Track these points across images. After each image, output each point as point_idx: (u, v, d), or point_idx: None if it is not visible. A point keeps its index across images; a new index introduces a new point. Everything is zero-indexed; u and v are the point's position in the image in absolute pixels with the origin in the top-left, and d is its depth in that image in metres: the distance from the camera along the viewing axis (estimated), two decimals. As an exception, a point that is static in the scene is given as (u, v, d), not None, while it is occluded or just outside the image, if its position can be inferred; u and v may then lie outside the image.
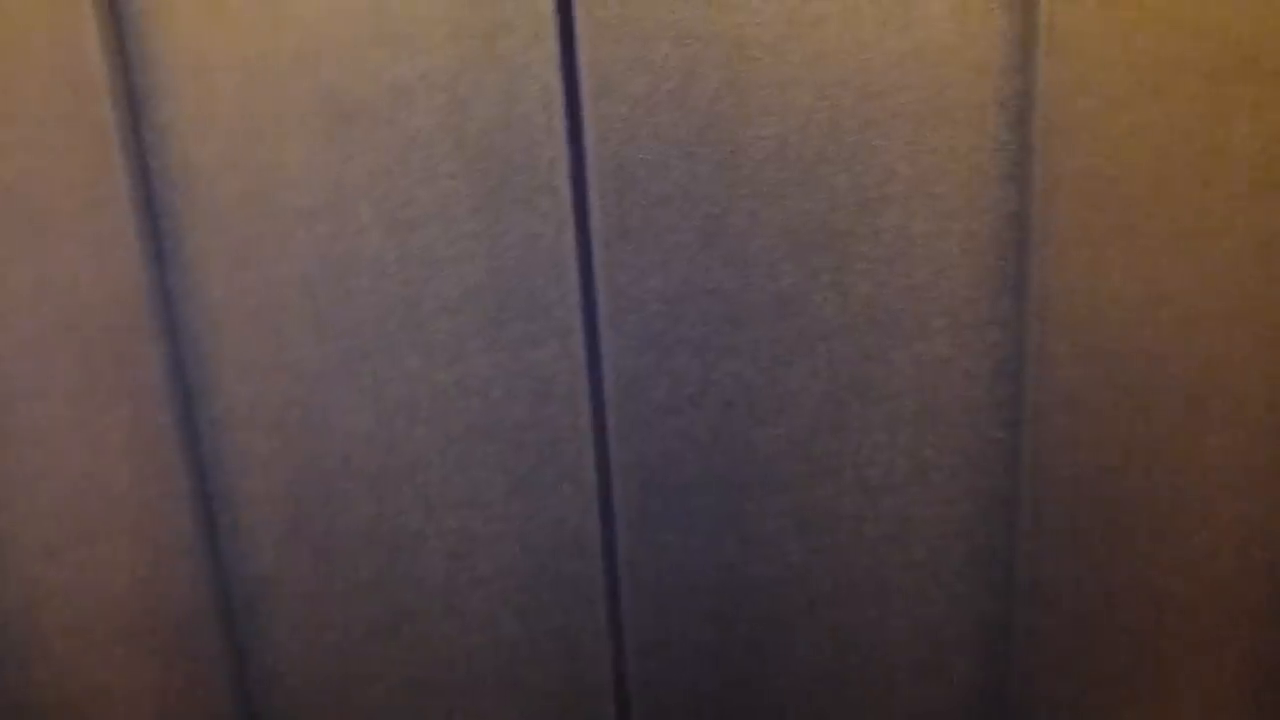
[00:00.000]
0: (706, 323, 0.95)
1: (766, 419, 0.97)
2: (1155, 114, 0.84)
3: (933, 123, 0.88)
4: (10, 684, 1.09)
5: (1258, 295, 0.87)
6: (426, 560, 1.04)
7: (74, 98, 0.91)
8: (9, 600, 1.07)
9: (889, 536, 1.00)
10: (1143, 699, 0.99)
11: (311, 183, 0.94)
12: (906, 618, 1.02)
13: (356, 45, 0.91)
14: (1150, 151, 0.85)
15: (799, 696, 1.05)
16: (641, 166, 0.91)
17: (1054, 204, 0.87)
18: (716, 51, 0.88)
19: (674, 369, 0.96)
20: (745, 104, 0.89)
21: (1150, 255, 0.87)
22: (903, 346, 0.94)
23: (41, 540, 1.05)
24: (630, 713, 1.07)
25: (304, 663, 1.09)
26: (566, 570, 1.04)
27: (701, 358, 0.96)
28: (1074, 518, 0.94)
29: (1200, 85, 0.83)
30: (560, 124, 0.91)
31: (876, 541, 1.00)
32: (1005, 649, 1.01)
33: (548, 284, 0.95)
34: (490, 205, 0.94)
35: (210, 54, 0.92)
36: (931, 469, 0.97)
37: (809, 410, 0.96)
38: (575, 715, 1.08)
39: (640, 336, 0.95)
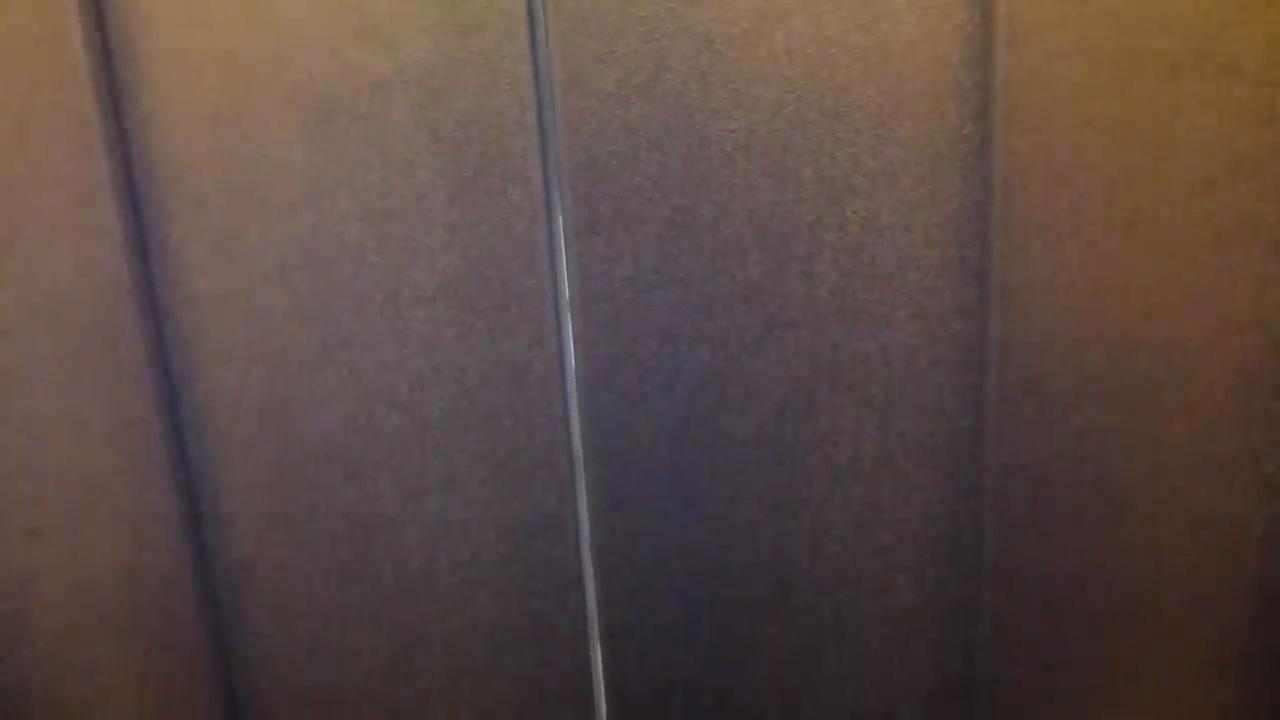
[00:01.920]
0: (675, 311, 0.96)
1: (735, 406, 0.99)
2: (1113, 105, 0.86)
3: (896, 115, 0.90)
4: (-4, 666, 1.11)
5: (1216, 284, 0.89)
6: (404, 545, 1.06)
7: (57, 90, 0.93)
8: (-5, 582, 1.09)
9: (857, 522, 1.01)
10: (1109, 682, 1.01)
11: (291, 175, 0.96)
12: (875, 602, 1.03)
13: (335, 41, 0.93)
14: (1109, 142, 0.87)
15: (770, 679, 1.07)
16: (611, 158, 0.93)
17: (1014, 194, 0.89)
18: (684, 46, 0.90)
19: (643, 357, 0.98)
20: (713, 97, 0.91)
21: (1110, 244, 0.89)
22: (869, 335, 0.96)
23: (25, 525, 1.07)
24: (606, 695, 1.09)
25: (285, 646, 1.11)
26: (542, 555, 1.05)
27: (671, 346, 0.97)
28: (1039, 503, 0.96)
29: (1158, 77, 0.85)
30: (532, 117, 0.93)
31: (844, 527, 1.02)
32: (972, 633, 1.03)
33: (521, 273, 0.97)
34: (465, 196, 0.96)
35: (191, 48, 0.94)
36: (898, 456, 0.99)
37: (777, 398, 0.98)
38: (551, 698, 1.10)
39: (610, 325, 0.97)
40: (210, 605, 1.09)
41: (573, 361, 1.00)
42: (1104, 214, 0.88)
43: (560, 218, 0.97)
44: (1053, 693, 1.02)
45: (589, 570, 1.07)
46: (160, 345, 1.01)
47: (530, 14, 0.91)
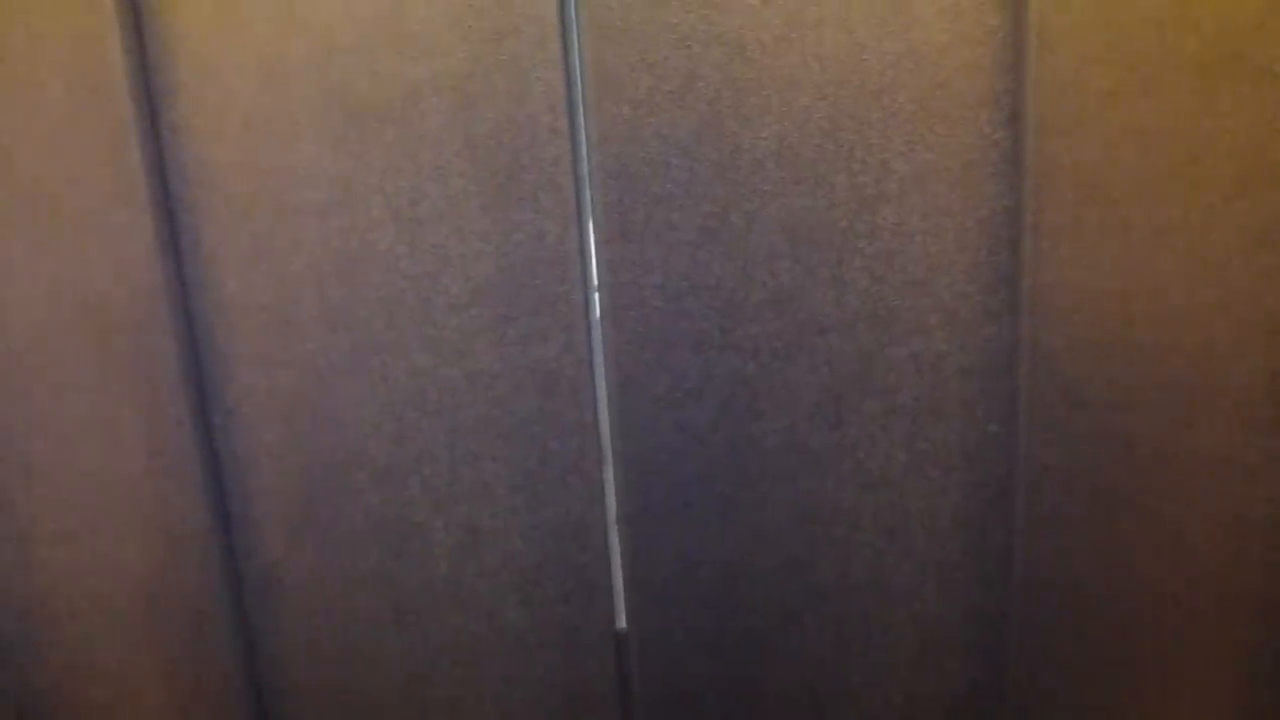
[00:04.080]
0: (706, 318, 0.97)
1: (766, 413, 0.99)
2: (1144, 109, 0.86)
3: (928, 121, 0.90)
4: (26, 667, 1.11)
5: (1246, 288, 0.88)
6: (433, 551, 1.06)
7: (94, 97, 0.94)
8: (26, 586, 1.09)
9: (887, 529, 1.01)
10: (1138, 690, 1.00)
11: (323, 180, 0.97)
12: (904, 609, 1.03)
13: (368, 48, 0.93)
14: (1139, 146, 0.87)
15: (798, 686, 1.07)
16: (643, 165, 0.93)
17: (1045, 200, 0.89)
18: (716, 53, 0.90)
19: (674, 364, 0.98)
20: (744, 104, 0.91)
21: (1140, 249, 0.89)
22: (900, 341, 0.96)
23: (57, 528, 1.07)
24: (633, 702, 1.09)
25: (311, 650, 1.11)
26: (570, 561, 1.05)
27: (702, 353, 0.97)
28: (1068, 510, 0.96)
29: (1188, 80, 0.85)
30: (564, 124, 0.93)
31: (875, 534, 1.01)
32: (1001, 640, 1.02)
33: (553, 280, 0.97)
34: (498, 203, 0.96)
35: (226, 55, 0.95)
36: (928, 462, 0.99)
37: (807, 404, 0.98)
38: (578, 705, 1.10)
39: (641, 332, 0.97)
40: (238, 608, 1.09)
41: (603, 368, 1.00)
42: (1135, 219, 0.88)
43: (591, 224, 0.97)
44: (1082, 700, 1.01)
45: (617, 577, 1.07)
46: (192, 349, 1.02)
47: (562, 22, 0.91)
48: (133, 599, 1.09)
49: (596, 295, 0.99)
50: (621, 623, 1.08)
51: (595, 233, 0.96)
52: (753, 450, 1.00)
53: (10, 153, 0.97)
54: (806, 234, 0.94)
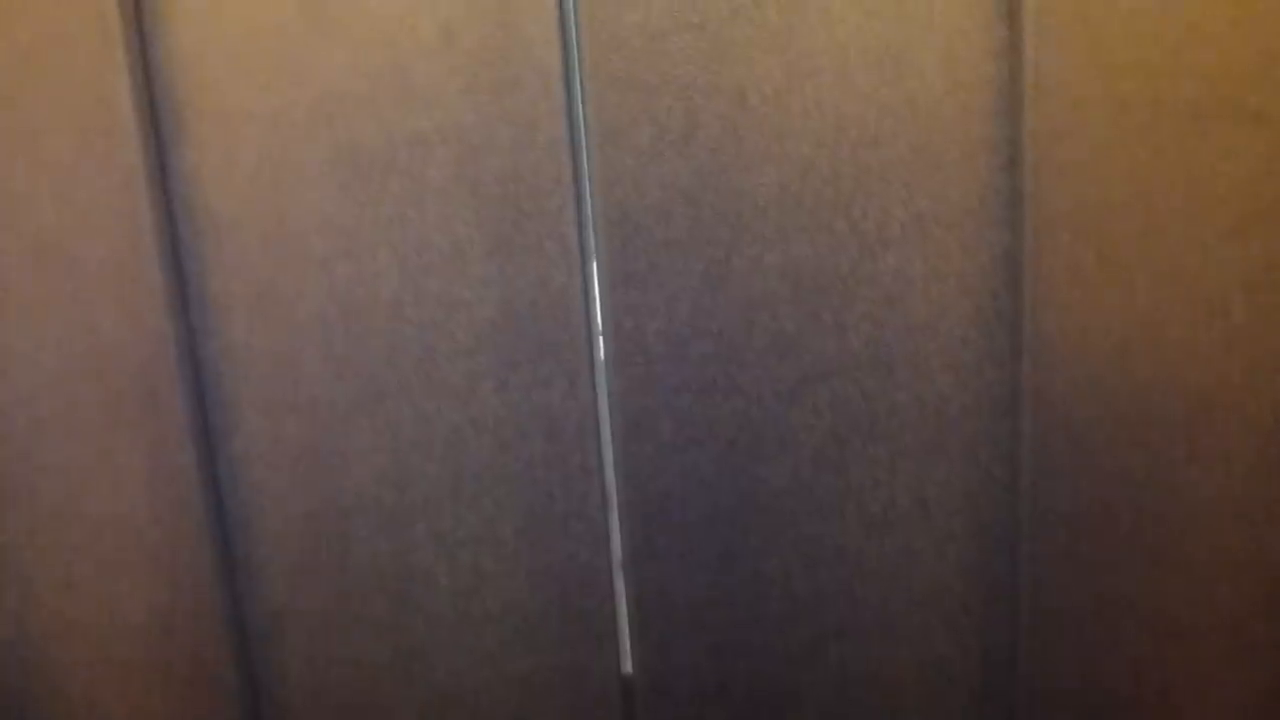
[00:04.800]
0: (710, 363, 0.97)
1: (769, 457, 0.99)
2: (1141, 155, 0.87)
3: (927, 168, 0.91)
4: (28, 715, 1.11)
5: (1245, 329, 0.89)
6: (437, 597, 1.06)
7: (104, 146, 0.95)
8: (31, 631, 1.09)
9: (892, 572, 1.01)
10: (1147, 734, 1.00)
11: (330, 230, 0.98)
12: (911, 652, 1.03)
13: (374, 99, 0.95)
14: (1137, 191, 0.88)
15: (805, 731, 1.06)
16: (646, 213, 0.94)
17: (1044, 244, 0.90)
18: (718, 103, 0.92)
19: (679, 409, 0.99)
20: (746, 153, 0.92)
21: (1139, 292, 0.89)
22: (903, 385, 0.96)
23: (63, 574, 1.07)
24: (639, 748, 1.08)
25: (316, 696, 1.10)
26: (575, 608, 1.05)
27: (706, 398, 0.98)
28: (1074, 550, 0.96)
29: (1184, 125, 0.86)
30: (568, 174, 0.94)
31: (880, 577, 1.01)
32: (1009, 682, 1.02)
33: (556, 327, 0.98)
34: (501, 251, 0.97)
35: (235, 106, 0.96)
36: (933, 505, 0.99)
37: (811, 448, 0.99)
38: (584, 751, 1.09)
39: (645, 377, 0.98)
40: (243, 654, 1.09)
41: (606, 413, 1.01)
42: (1134, 262, 0.89)
43: (595, 271, 0.98)
44: (1091, 744, 1.01)
45: (623, 622, 1.06)
46: (198, 396, 1.03)
47: (566, 73, 0.93)
48: (136, 647, 1.08)
49: (600, 341, 0.99)
50: (627, 667, 1.08)
51: (599, 279, 0.97)
52: (757, 493, 1.00)
53: (20, 200, 0.98)
54: (809, 280, 0.95)
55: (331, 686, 1.10)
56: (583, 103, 0.93)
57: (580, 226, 0.96)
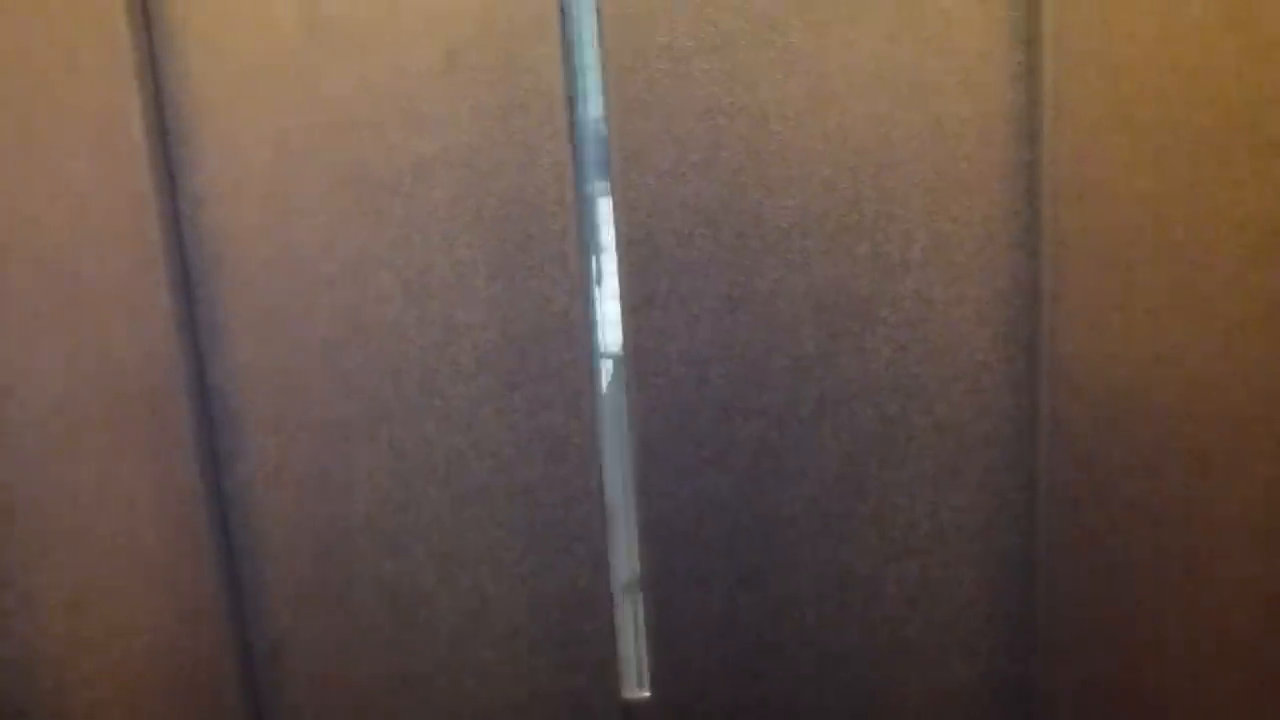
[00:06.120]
0: (729, 386, 0.97)
1: (788, 481, 0.98)
2: (1159, 180, 0.88)
3: (949, 192, 0.92)
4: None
5: (1263, 356, 0.90)
6: (440, 619, 1.05)
7: (115, 169, 0.94)
8: (38, 652, 1.06)
9: (909, 597, 1.00)
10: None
11: (335, 252, 0.96)
12: (927, 678, 1.02)
13: (380, 123, 0.94)
14: (1154, 216, 0.88)
15: (822, 760, 1.05)
16: (668, 234, 0.94)
17: (1064, 269, 0.90)
18: (741, 125, 0.91)
19: (697, 431, 0.98)
20: (768, 175, 0.92)
21: (1157, 317, 0.90)
22: (922, 410, 0.96)
23: (70, 596, 1.04)
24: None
25: (319, 717, 1.08)
26: (577, 630, 1.04)
27: (726, 420, 0.97)
28: (1090, 577, 0.96)
29: (1202, 152, 0.87)
30: (571, 196, 0.94)
31: (897, 602, 1.01)
32: (1026, 709, 1.01)
33: (558, 350, 0.97)
34: (505, 274, 0.96)
35: (244, 128, 0.95)
36: (950, 530, 0.99)
37: (831, 472, 0.98)
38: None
39: (665, 399, 0.97)
40: (247, 676, 1.07)
41: (614, 436, 1.00)
42: (1152, 287, 0.89)
43: (596, 294, 0.97)
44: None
45: (627, 646, 1.05)
46: (206, 417, 1.01)
47: (568, 96, 0.92)
48: (142, 668, 1.06)
49: (605, 363, 0.99)
50: (628, 692, 1.06)
51: (621, 300, 0.96)
52: (775, 517, 0.99)
53: (31, 221, 0.96)
54: (830, 303, 0.94)
55: (334, 708, 1.08)
56: (605, 124, 0.92)
57: (583, 249, 0.95)
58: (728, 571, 1.01)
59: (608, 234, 2.68)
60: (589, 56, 0.94)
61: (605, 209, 2.68)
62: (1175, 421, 0.92)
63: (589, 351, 0.98)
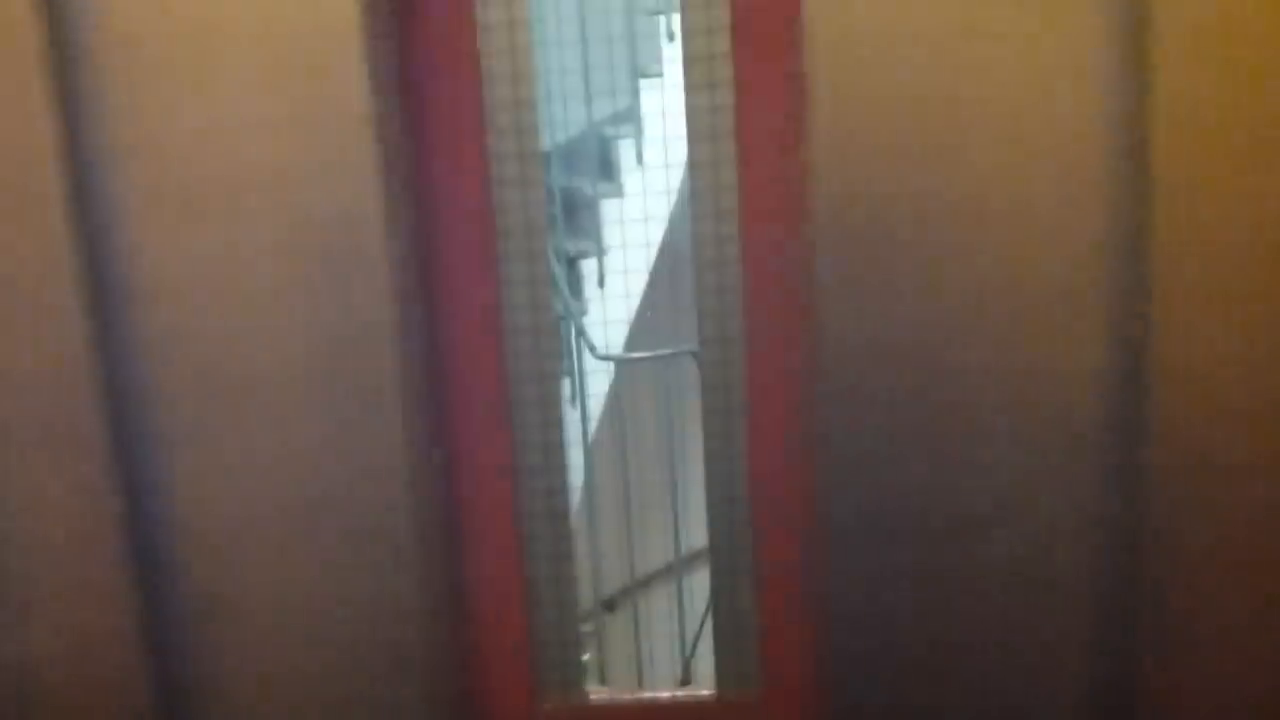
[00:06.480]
0: (917, 375, 0.96)
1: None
2: (1269, 180, 0.89)
3: (1065, 190, 0.92)
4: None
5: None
6: (246, 627, 1.07)
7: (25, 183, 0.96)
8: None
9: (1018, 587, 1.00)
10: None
11: (149, 267, 0.99)
12: (1029, 677, 1.03)
13: (193, 139, 0.96)
14: (1261, 216, 0.89)
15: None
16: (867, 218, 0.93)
17: (1172, 271, 0.91)
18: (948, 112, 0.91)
19: (882, 419, 0.97)
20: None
21: (1265, 319, 0.92)
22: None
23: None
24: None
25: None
26: (383, 637, 1.06)
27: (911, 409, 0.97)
28: (1196, 582, 0.97)
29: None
30: (377, 212, 0.96)
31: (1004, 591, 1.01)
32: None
33: (369, 362, 1.00)
34: (317, 288, 0.99)
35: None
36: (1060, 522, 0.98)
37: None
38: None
39: (852, 386, 0.96)
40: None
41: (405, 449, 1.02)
42: (1260, 289, 0.90)
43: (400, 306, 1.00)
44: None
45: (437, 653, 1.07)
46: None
47: (375, 118, 0.95)
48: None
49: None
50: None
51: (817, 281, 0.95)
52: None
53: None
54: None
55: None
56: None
57: (390, 261, 0.97)
58: (907, 567, 1.00)
59: (608, 234, 2.56)
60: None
61: (606, 210, 2.56)
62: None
63: (399, 365, 1.00)
